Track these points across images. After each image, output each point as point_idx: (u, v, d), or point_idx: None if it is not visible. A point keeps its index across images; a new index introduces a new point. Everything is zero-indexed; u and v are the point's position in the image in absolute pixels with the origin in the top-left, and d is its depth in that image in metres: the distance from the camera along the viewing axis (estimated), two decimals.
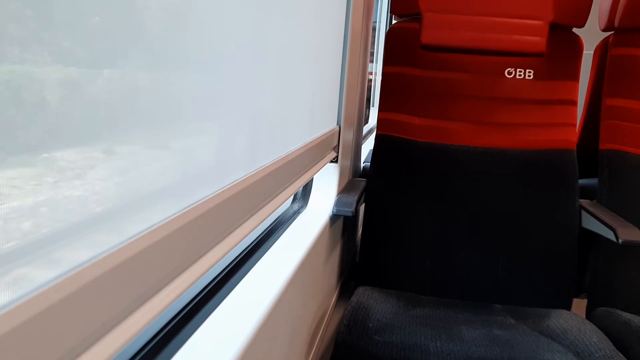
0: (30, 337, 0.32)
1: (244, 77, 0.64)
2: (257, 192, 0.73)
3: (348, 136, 1.53)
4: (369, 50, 1.87)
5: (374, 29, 3.30)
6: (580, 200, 1.51)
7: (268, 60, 0.73)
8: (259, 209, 0.77)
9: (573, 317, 1.24)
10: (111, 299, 0.40)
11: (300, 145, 0.98)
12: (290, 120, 0.90)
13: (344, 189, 1.49)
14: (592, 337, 1.12)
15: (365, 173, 1.86)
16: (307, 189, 1.32)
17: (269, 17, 0.71)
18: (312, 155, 1.10)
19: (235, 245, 0.66)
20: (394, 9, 1.68)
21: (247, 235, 0.70)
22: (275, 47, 0.76)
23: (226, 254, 0.63)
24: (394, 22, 1.72)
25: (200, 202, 0.55)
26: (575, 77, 1.58)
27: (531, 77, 1.58)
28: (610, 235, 1.35)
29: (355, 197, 1.39)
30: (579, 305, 1.54)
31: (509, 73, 1.58)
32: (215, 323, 0.71)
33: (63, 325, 0.35)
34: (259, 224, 0.75)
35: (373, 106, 3.35)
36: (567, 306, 1.46)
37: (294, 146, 0.94)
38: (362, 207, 1.64)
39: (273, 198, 0.84)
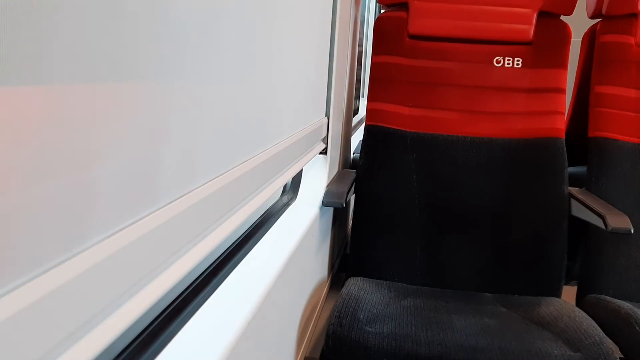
0: (13, 334, 0.31)
1: (228, 69, 0.63)
2: (245, 185, 0.73)
3: (337, 127, 1.53)
4: (357, 39, 1.86)
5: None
6: (569, 188, 1.52)
7: (252, 52, 0.72)
8: (248, 202, 0.76)
9: (563, 305, 1.25)
10: (96, 294, 0.40)
11: (288, 137, 0.98)
12: (277, 112, 0.89)
13: (334, 181, 1.48)
14: (582, 324, 1.12)
15: (355, 164, 1.85)
16: (296, 180, 1.32)
17: (252, 6, 0.70)
18: (300, 147, 1.09)
19: (224, 239, 0.66)
20: None
21: (235, 228, 0.70)
22: (261, 39, 0.75)
23: (214, 247, 0.62)
24: (382, 11, 1.71)
25: (186, 195, 0.54)
26: (563, 65, 1.58)
27: (519, 66, 1.57)
28: (599, 222, 1.36)
29: (345, 189, 1.39)
30: (569, 292, 1.55)
31: (498, 62, 1.58)
32: (204, 317, 0.70)
33: (47, 322, 0.34)
34: (247, 217, 0.75)
35: (363, 96, 3.34)
36: (557, 293, 1.46)
37: (282, 138, 0.94)
38: (352, 198, 1.63)
39: (261, 190, 0.83)
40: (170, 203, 0.51)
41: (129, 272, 0.44)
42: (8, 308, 0.31)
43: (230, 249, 0.93)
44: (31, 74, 0.31)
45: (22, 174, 0.32)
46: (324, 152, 1.41)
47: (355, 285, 1.26)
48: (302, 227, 1.13)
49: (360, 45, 2.95)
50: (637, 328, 1.16)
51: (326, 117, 1.40)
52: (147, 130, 0.46)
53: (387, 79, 1.60)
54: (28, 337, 0.33)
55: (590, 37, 1.74)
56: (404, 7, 1.62)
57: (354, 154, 1.95)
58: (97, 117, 0.38)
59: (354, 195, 1.57)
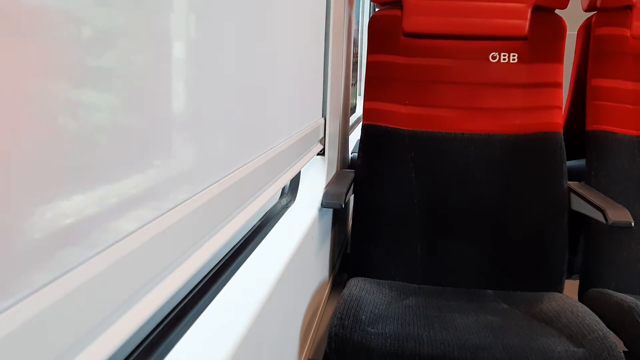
0: (23, 341, 0.31)
1: (221, 73, 0.63)
2: (243, 189, 0.73)
3: (334, 127, 1.52)
4: (352, 38, 1.86)
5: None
6: (568, 182, 1.52)
7: (247, 54, 0.72)
8: (246, 206, 0.76)
9: (565, 300, 1.25)
10: (103, 300, 0.40)
11: (285, 140, 0.97)
12: (273, 115, 0.89)
13: (333, 181, 1.48)
14: (585, 319, 1.12)
15: (353, 164, 1.85)
16: (294, 182, 1.31)
17: (246, 10, 0.70)
18: (297, 149, 1.09)
19: (224, 243, 0.65)
20: None
21: (235, 233, 0.70)
22: (255, 41, 0.74)
23: (215, 252, 0.62)
24: (376, 10, 1.71)
25: (186, 201, 0.54)
26: (559, 59, 1.58)
27: (515, 61, 1.57)
28: (599, 216, 1.36)
29: (344, 189, 1.38)
30: (571, 286, 1.54)
31: (493, 57, 1.58)
32: (206, 322, 0.70)
33: (55, 329, 0.34)
34: (246, 221, 0.75)
35: (360, 95, 3.34)
36: (559, 288, 1.46)
37: (279, 141, 0.93)
38: (351, 198, 1.63)
39: (260, 194, 0.83)
40: (168, 211, 0.51)
41: (131, 280, 0.44)
42: (24, 312, 0.31)
43: (230, 253, 0.93)
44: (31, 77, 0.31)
45: (38, 183, 0.32)
46: (321, 153, 1.40)
47: (356, 286, 1.25)
48: (301, 229, 1.12)
49: (356, 44, 2.95)
50: None
51: (323, 118, 1.40)
52: (141, 136, 0.45)
53: (383, 77, 1.60)
54: (38, 342, 0.33)
55: (586, 30, 1.74)
56: (398, 5, 1.62)
57: (352, 153, 1.95)
58: (98, 123, 0.38)
59: (353, 195, 1.57)
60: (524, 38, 1.58)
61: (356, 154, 1.64)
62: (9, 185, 0.30)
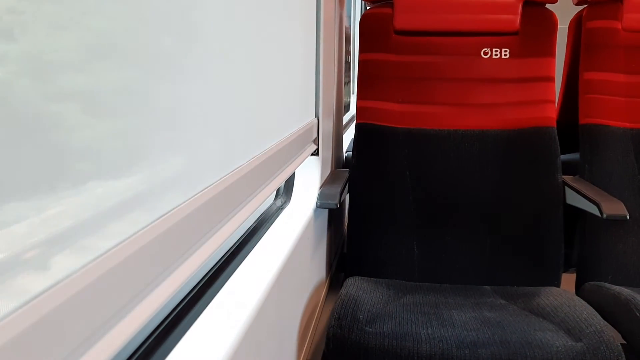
0: (24, 347, 0.32)
1: (213, 76, 0.63)
2: (237, 192, 0.73)
3: (327, 127, 1.52)
4: (344, 37, 1.85)
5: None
6: (563, 176, 1.52)
7: (238, 57, 0.71)
8: (241, 208, 0.76)
9: (562, 294, 1.25)
10: (103, 304, 0.40)
11: (278, 141, 0.97)
12: (266, 117, 0.89)
13: (327, 181, 1.48)
14: (582, 312, 1.12)
15: (348, 163, 1.85)
16: (289, 184, 1.31)
17: (236, 11, 0.70)
18: (291, 150, 1.09)
19: (220, 246, 0.65)
20: None
21: (231, 235, 0.70)
22: (246, 43, 0.74)
23: (211, 254, 0.62)
24: (367, 8, 1.71)
25: (181, 205, 0.54)
26: (551, 53, 1.58)
27: (507, 56, 1.57)
28: (594, 210, 1.36)
29: (339, 189, 1.38)
30: (568, 279, 1.55)
31: (485, 53, 1.58)
32: (204, 323, 0.70)
33: (57, 333, 0.35)
34: (241, 224, 0.74)
35: (354, 93, 3.34)
36: (557, 282, 1.46)
37: (272, 142, 0.93)
38: (347, 197, 1.63)
39: (254, 196, 0.83)
40: (163, 215, 0.50)
41: (129, 284, 0.44)
42: (27, 317, 0.32)
43: (227, 255, 0.93)
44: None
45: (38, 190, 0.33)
46: (315, 153, 1.40)
47: (353, 285, 1.25)
48: (297, 230, 1.12)
49: (349, 43, 2.95)
50: (637, 314, 1.16)
51: (316, 118, 1.40)
52: (132, 140, 0.45)
53: (375, 76, 1.60)
54: (41, 347, 0.33)
55: (577, 24, 1.74)
56: (389, 3, 1.61)
57: (346, 152, 1.95)
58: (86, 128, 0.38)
59: (348, 194, 1.57)
60: (515, 33, 1.58)
61: (350, 153, 1.64)
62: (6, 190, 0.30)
